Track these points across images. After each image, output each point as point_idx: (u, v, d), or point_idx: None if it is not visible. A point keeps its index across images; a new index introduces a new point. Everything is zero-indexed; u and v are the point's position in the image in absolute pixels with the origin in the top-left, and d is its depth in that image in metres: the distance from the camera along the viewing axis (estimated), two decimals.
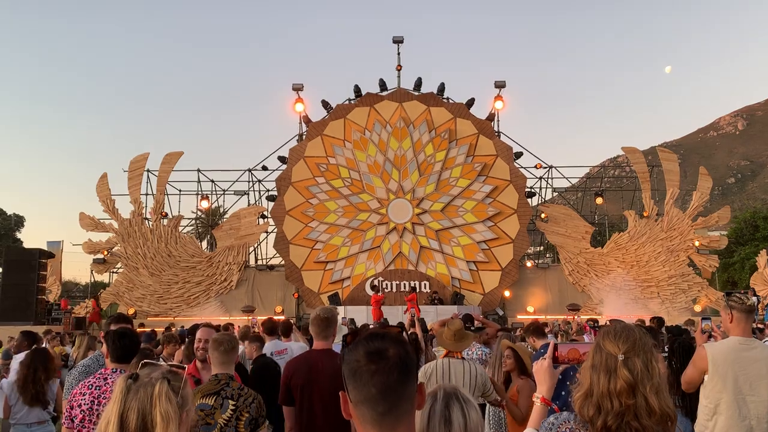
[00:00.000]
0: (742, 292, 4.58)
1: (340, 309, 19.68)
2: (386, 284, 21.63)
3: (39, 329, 14.28)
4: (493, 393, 4.78)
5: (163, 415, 1.84)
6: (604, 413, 1.85)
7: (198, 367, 4.64)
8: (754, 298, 18.91)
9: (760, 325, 10.72)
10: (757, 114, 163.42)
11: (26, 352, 7.19)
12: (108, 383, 3.50)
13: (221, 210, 31.80)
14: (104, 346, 4.16)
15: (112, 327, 4.46)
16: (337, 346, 6.75)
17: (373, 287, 20.62)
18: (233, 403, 3.60)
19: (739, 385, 3.73)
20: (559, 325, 14.46)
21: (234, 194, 25.47)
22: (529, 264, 24.79)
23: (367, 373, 1.43)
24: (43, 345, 10.09)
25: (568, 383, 2.26)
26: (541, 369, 2.27)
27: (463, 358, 4.89)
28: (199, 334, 4.73)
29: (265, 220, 24.47)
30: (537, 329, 6.42)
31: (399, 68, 24.86)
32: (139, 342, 3.88)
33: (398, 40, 24.94)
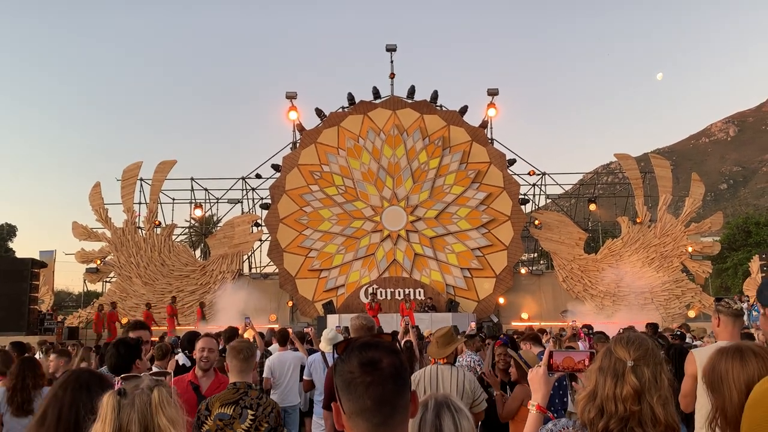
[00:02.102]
0: (735, 298, 4.60)
1: (335, 317, 19.66)
2: (381, 292, 21.61)
3: (32, 339, 14.23)
4: (482, 403, 4.77)
5: (170, 419, 1.82)
6: (607, 416, 1.85)
7: (198, 375, 4.60)
8: (743, 304, 18.95)
9: (750, 331, 10.74)
10: (748, 120, 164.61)
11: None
12: None
13: (215, 218, 31.67)
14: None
15: (131, 334, 4.40)
16: (328, 354, 6.77)
17: (371, 295, 20.54)
18: (252, 412, 3.54)
19: None
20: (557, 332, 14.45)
21: (228, 203, 25.43)
22: (523, 271, 24.83)
23: (361, 385, 1.40)
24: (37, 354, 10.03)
25: (561, 392, 2.26)
26: (536, 376, 2.27)
27: (452, 365, 4.89)
28: (201, 344, 4.66)
29: (259, 228, 24.42)
30: (534, 337, 6.50)
31: (392, 76, 24.92)
32: (136, 352, 3.83)
33: (391, 48, 25.01)
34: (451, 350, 4.92)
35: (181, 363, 7.25)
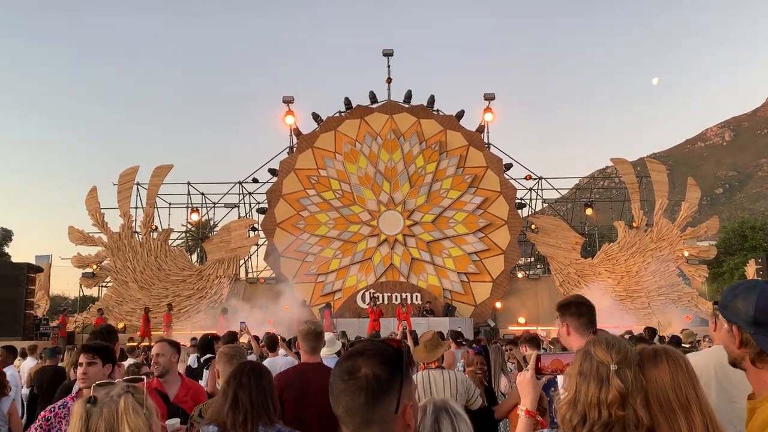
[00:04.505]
0: None
1: None
2: (378, 296, 21.58)
3: (26, 344, 14.15)
4: (477, 400, 4.74)
5: (133, 428, 1.80)
6: (590, 423, 1.77)
7: (161, 381, 4.52)
8: None
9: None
10: (743, 125, 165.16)
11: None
12: None
13: (211, 223, 31.66)
14: None
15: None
16: (330, 359, 6.74)
17: (371, 299, 20.48)
18: None
19: (725, 390, 3.74)
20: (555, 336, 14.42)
21: (224, 207, 25.37)
22: (519, 275, 24.81)
23: (336, 391, 1.40)
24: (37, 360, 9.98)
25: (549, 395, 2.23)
26: (524, 381, 2.22)
27: (442, 369, 4.85)
28: (154, 350, 4.58)
29: (256, 232, 24.36)
30: (532, 339, 6.45)
31: (389, 81, 24.97)
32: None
33: (388, 53, 25.05)
34: (439, 354, 4.85)
35: (189, 363, 7.29)
